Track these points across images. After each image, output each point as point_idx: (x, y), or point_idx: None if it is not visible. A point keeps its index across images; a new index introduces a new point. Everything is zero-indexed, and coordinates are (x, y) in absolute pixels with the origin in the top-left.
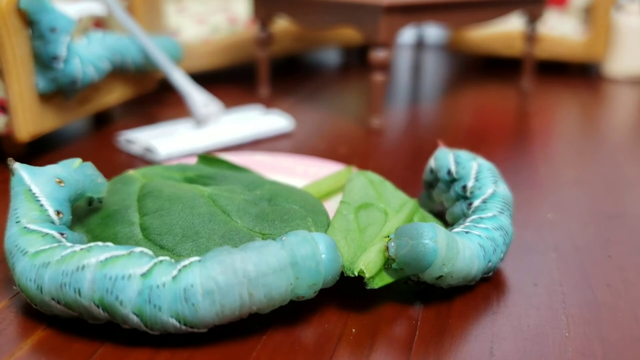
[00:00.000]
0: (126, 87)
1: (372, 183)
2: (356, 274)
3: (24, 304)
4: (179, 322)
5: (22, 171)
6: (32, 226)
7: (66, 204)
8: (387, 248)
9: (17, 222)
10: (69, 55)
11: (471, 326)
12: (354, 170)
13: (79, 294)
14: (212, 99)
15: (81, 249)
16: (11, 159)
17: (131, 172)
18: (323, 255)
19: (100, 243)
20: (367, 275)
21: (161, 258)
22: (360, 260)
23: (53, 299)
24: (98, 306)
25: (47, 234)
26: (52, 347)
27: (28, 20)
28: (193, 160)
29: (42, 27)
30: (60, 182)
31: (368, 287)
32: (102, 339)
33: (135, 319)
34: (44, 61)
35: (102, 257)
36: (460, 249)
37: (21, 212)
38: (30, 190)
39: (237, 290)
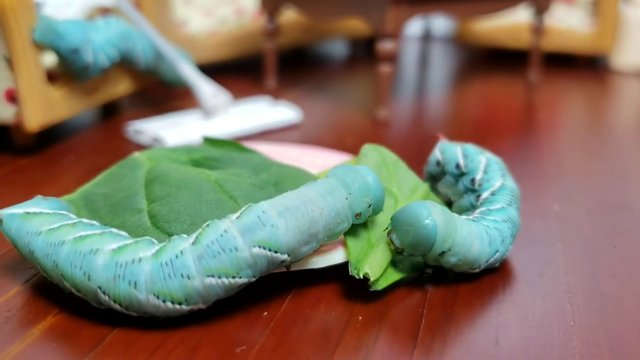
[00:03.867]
0: (134, 78)
1: (386, 163)
2: (361, 277)
3: (35, 290)
4: (265, 248)
5: (7, 211)
6: (55, 225)
7: (64, 209)
8: (391, 241)
9: (39, 234)
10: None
11: (477, 315)
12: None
13: (135, 287)
14: (221, 90)
15: (132, 242)
16: None
17: (137, 155)
18: (368, 177)
19: (147, 238)
20: (372, 278)
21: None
22: (366, 263)
23: (100, 287)
24: (158, 297)
25: (76, 222)
26: (63, 332)
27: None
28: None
29: (64, 52)
30: (45, 199)
31: (372, 289)
32: (112, 324)
33: (207, 281)
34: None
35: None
36: (457, 225)
37: (36, 227)
38: (28, 212)
39: (304, 209)
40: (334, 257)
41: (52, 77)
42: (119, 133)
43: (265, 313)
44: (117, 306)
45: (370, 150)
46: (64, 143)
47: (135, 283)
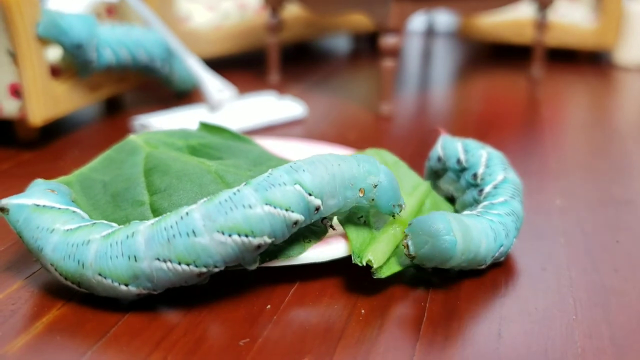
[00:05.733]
0: (139, 74)
1: (386, 164)
2: (364, 264)
3: (40, 284)
4: (302, 188)
5: (15, 200)
6: (73, 225)
7: (73, 205)
8: (406, 246)
9: (52, 231)
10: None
11: (479, 309)
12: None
13: (194, 235)
14: (226, 85)
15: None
16: None
17: (133, 138)
18: (381, 171)
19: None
20: (375, 265)
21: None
22: (369, 251)
23: (157, 259)
24: (223, 233)
25: (95, 222)
26: (68, 325)
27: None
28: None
29: (68, 47)
30: (53, 191)
31: (375, 277)
32: (116, 317)
33: (266, 208)
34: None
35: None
36: (472, 234)
37: (48, 223)
38: (38, 205)
39: (326, 163)
40: (337, 250)
41: (55, 71)
42: (123, 128)
43: (269, 306)
44: (148, 284)
45: (371, 154)
46: (67, 138)
47: (195, 231)
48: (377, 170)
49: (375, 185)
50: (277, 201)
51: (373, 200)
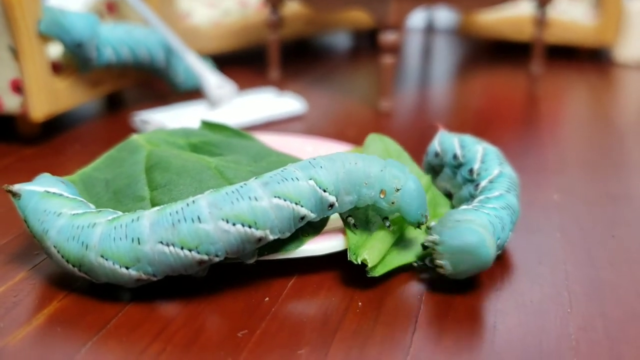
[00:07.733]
0: (140, 71)
1: (389, 153)
2: (359, 262)
3: (41, 276)
4: (316, 183)
5: (27, 186)
6: (79, 211)
7: (80, 196)
8: (441, 267)
9: (59, 215)
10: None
11: (475, 302)
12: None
13: (199, 221)
14: (226, 81)
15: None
16: (6, 184)
17: (135, 137)
18: (410, 178)
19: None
20: (369, 264)
21: None
22: (365, 249)
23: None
24: (227, 221)
25: (101, 210)
26: (68, 317)
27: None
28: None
29: (69, 45)
30: (58, 179)
31: (369, 275)
32: (116, 309)
33: (274, 201)
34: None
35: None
36: (496, 229)
37: (56, 207)
38: (48, 192)
39: (344, 159)
40: (335, 244)
41: (56, 67)
42: (124, 124)
43: (267, 299)
44: (153, 277)
45: (374, 140)
46: (69, 133)
47: (200, 217)
48: (405, 177)
49: (398, 190)
50: (287, 194)
51: (393, 203)
